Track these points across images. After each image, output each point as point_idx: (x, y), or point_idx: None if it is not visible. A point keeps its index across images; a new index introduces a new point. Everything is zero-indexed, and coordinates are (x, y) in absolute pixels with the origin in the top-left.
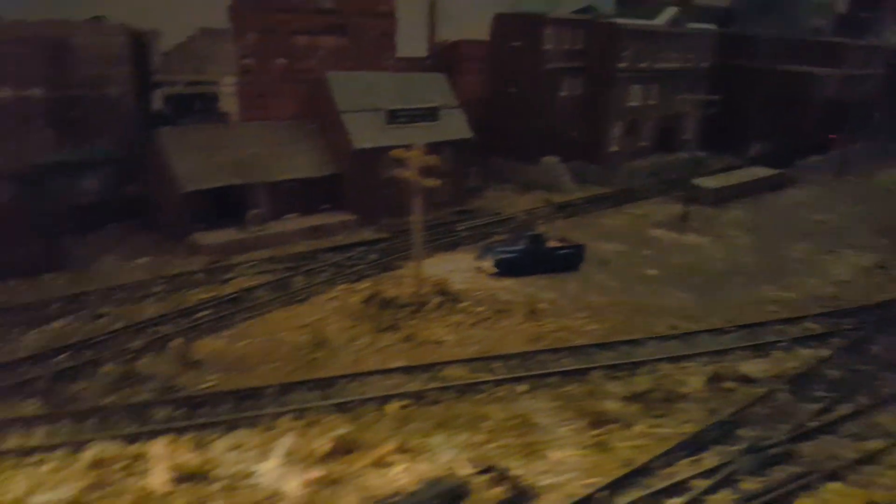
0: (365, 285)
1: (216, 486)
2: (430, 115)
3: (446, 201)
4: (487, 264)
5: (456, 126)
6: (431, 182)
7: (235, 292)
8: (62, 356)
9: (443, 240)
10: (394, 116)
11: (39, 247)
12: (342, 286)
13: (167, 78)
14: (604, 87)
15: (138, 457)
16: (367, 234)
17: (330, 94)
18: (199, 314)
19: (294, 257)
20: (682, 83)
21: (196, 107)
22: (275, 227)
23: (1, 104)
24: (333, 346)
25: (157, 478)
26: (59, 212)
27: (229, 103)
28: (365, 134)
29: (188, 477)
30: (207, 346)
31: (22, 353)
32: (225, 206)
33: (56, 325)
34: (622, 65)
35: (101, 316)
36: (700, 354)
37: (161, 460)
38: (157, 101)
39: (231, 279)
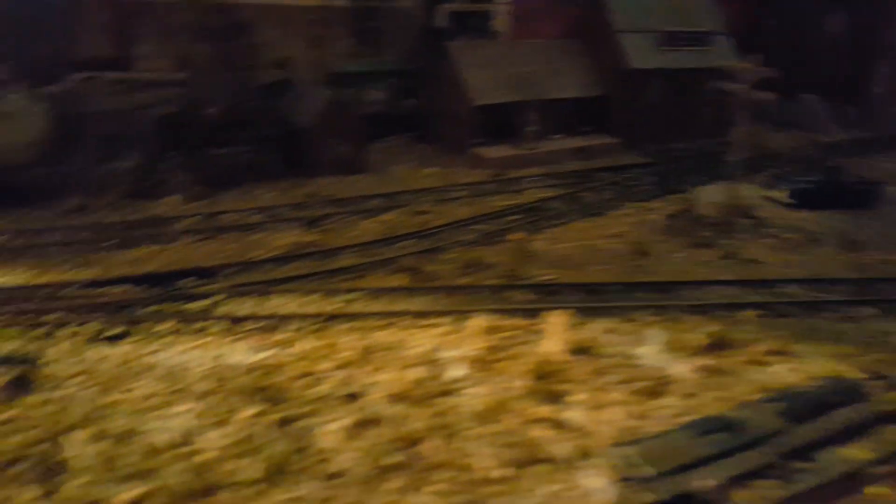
0: (657, 204)
1: (608, 360)
2: (702, 39)
3: (709, 132)
4: (780, 194)
5: (724, 53)
6: (766, 96)
7: (532, 202)
8: (408, 242)
9: (717, 169)
10: (668, 38)
11: (347, 150)
12: (633, 204)
13: None
14: (872, 21)
15: (523, 327)
16: (631, 158)
17: (606, 12)
18: (509, 218)
19: (571, 174)
20: None
21: (471, 24)
22: (546, 145)
23: (309, 12)
24: (655, 256)
25: (554, 345)
26: (359, 119)
27: (502, 21)
28: (639, 54)
29: (578, 350)
30: (530, 244)
31: (378, 236)
32: (499, 121)
33: (385, 217)
34: None
35: (423, 213)
36: None
37: (556, 330)
38: (439, 17)
39: (523, 190)
